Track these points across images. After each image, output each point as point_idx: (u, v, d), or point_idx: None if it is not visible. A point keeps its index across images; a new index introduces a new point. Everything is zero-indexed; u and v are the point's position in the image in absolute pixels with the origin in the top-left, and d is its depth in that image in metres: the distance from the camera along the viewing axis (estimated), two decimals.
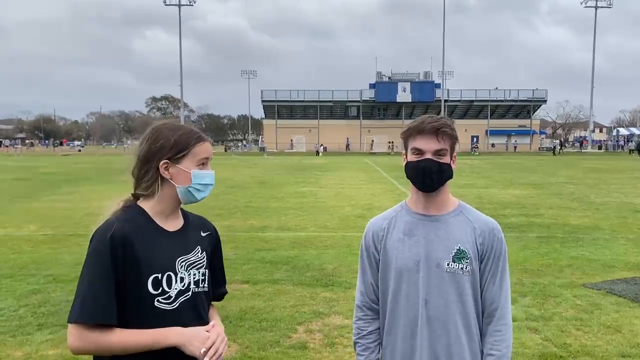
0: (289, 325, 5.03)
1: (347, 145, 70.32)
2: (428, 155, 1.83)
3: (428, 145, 1.82)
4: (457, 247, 1.84)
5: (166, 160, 1.70)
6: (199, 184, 1.73)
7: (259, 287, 6.22)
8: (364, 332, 1.99)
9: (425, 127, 1.83)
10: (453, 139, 1.86)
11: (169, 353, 1.63)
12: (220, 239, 1.95)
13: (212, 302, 1.90)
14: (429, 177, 1.83)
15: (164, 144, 1.70)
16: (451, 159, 1.87)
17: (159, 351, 1.62)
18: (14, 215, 12.00)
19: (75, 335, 1.56)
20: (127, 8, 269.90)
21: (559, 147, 58.33)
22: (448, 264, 1.83)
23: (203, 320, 1.74)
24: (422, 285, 1.85)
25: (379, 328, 1.99)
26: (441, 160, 1.83)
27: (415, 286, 1.86)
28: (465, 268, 1.83)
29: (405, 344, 1.88)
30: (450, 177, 1.87)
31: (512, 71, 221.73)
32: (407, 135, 1.87)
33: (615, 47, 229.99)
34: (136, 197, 1.76)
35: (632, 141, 66.62)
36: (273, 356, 4.35)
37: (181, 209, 1.85)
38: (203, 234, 1.85)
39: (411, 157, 1.86)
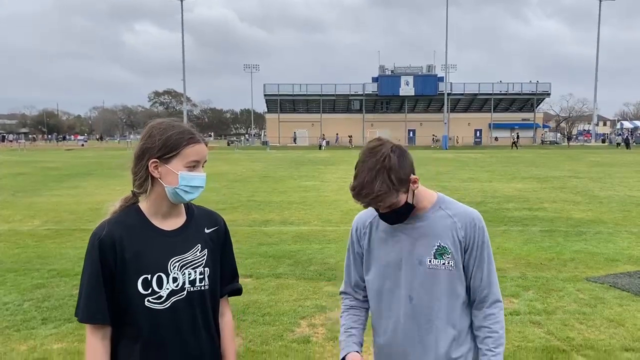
0: (292, 319, 5.05)
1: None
2: (380, 210, 1.83)
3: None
4: (438, 244, 1.85)
5: (155, 160, 1.70)
6: (187, 185, 1.71)
7: (262, 281, 6.24)
8: (347, 326, 2.09)
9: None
10: (383, 191, 1.71)
11: (171, 353, 1.69)
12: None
13: (229, 297, 1.94)
14: (392, 222, 1.86)
15: (154, 143, 1.70)
16: (406, 193, 1.78)
17: (160, 352, 1.69)
18: (18, 210, 12.05)
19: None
20: (116, 0, 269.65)
21: (515, 141, 58.08)
22: (430, 261, 1.85)
23: (201, 319, 1.76)
24: (405, 283, 1.87)
25: (364, 319, 2.07)
26: (391, 208, 1.79)
27: (398, 283, 1.88)
28: (448, 263, 1.85)
29: (392, 341, 1.92)
30: (410, 208, 1.82)
31: (513, 64, 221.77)
32: None
33: (621, 39, 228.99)
34: (135, 194, 1.78)
35: (620, 135, 66.49)
36: (276, 350, 4.36)
37: (188, 204, 1.83)
38: (208, 230, 1.83)
39: None
